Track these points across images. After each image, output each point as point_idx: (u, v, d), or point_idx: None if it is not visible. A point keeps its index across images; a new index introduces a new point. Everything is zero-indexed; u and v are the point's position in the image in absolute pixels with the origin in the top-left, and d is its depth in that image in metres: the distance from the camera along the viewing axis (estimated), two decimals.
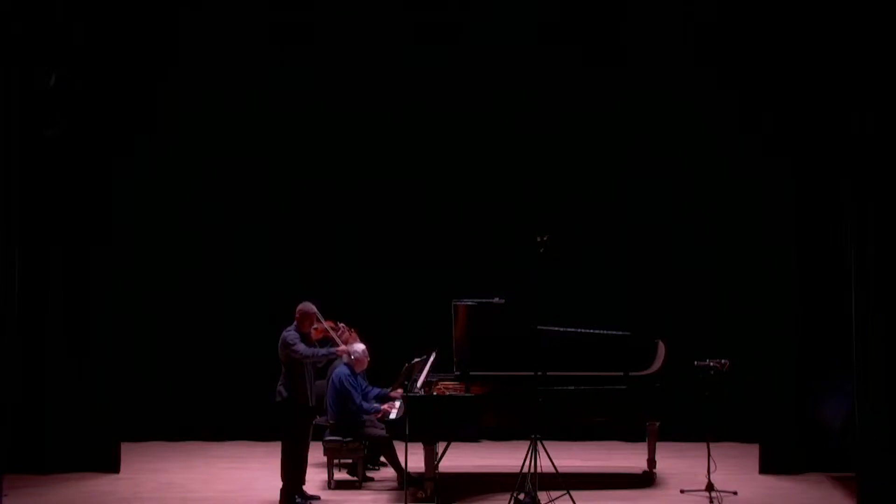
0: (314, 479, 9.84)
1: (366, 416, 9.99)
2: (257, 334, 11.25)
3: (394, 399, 10.24)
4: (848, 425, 9.99)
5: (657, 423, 10.13)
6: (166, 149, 12.32)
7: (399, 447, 9.56)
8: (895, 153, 9.31)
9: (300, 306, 9.32)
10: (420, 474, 9.49)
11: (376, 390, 10.35)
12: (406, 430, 9.15)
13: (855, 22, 9.62)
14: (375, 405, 10.10)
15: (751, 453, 10.83)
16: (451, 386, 10.17)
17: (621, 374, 9.88)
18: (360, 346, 10.15)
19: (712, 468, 9.51)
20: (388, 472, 10.31)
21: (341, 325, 9.74)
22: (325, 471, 10.08)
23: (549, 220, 10.92)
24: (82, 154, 10.69)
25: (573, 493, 9.01)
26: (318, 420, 10.14)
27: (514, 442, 11.20)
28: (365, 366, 10.21)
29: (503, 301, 9.87)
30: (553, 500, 9.01)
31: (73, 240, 10.72)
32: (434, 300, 10.83)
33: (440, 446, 9.75)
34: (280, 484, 9.33)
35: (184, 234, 12.45)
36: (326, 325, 9.40)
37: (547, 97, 12.33)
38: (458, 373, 10.06)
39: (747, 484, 9.97)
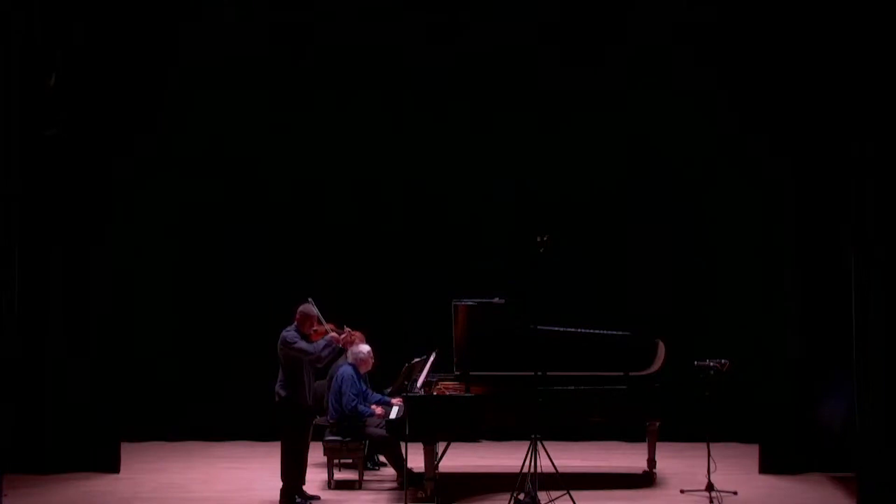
0: (314, 479, 9.84)
1: (366, 416, 10.01)
2: (257, 334, 11.24)
3: (392, 405, 10.22)
4: (848, 425, 9.99)
5: (657, 423, 10.12)
6: (166, 149, 12.33)
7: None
8: (895, 153, 9.31)
9: (301, 307, 9.31)
10: (420, 474, 9.50)
11: (377, 396, 10.35)
12: (406, 430, 9.15)
13: (855, 22, 9.61)
14: (370, 409, 10.08)
15: (751, 453, 10.83)
16: (451, 386, 10.17)
17: (621, 374, 9.88)
18: (365, 348, 10.17)
19: (712, 468, 9.50)
20: (388, 472, 10.32)
21: (346, 328, 9.70)
22: (325, 471, 10.08)
23: (549, 220, 10.92)
24: (82, 154, 10.69)
25: (573, 493, 9.01)
26: (318, 420, 10.15)
27: (514, 442, 11.21)
28: (369, 367, 10.22)
29: (503, 301, 9.87)
30: (553, 500, 9.01)
31: (73, 240, 10.72)
32: (434, 300, 10.83)
33: (440, 446, 9.76)
34: (280, 484, 9.33)
35: (183, 233, 12.45)
36: (328, 327, 9.38)
37: (547, 97, 12.34)
38: (458, 373, 10.05)
39: (747, 484, 9.97)
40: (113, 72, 10.81)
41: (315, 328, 9.34)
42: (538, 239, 9.02)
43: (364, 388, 10.19)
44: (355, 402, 9.92)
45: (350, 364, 10.11)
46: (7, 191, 9.71)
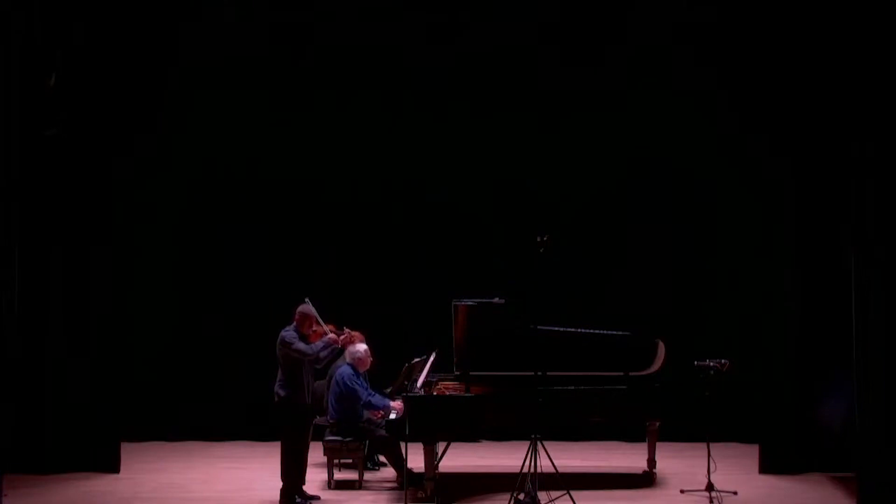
0: (314, 479, 9.84)
1: (367, 415, 10.00)
2: (257, 334, 11.23)
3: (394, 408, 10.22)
4: (848, 425, 9.99)
5: (657, 423, 10.12)
6: (166, 149, 12.33)
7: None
8: (895, 153, 9.31)
9: (300, 307, 9.31)
10: (420, 474, 9.50)
11: (377, 396, 10.34)
12: (406, 430, 9.15)
13: (854, 22, 9.61)
14: (386, 401, 10.08)
15: (751, 453, 10.83)
16: (451, 386, 10.17)
17: (621, 374, 9.88)
18: (361, 347, 10.16)
19: (712, 468, 9.50)
20: (388, 472, 10.32)
21: (345, 329, 9.70)
22: (325, 471, 10.08)
23: (550, 220, 10.92)
24: (82, 154, 10.69)
25: (573, 493, 9.01)
26: (319, 420, 10.15)
27: (514, 442, 11.20)
28: (368, 366, 10.21)
29: (503, 301, 9.87)
30: (553, 500, 9.01)
31: (73, 240, 10.72)
32: (434, 300, 10.83)
33: (440, 446, 9.76)
34: (280, 484, 9.33)
35: (183, 233, 12.46)
36: (327, 328, 9.38)
37: (547, 97, 12.33)
38: (458, 373, 10.05)
39: (747, 484, 9.97)
40: (113, 72, 10.81)
41: (314, 329, 9.34)
42: (538, 239, 9.02)
43: (365, 385, 10.19)
44: (366, 395, 9.93)
45: (348, 364, 10.10)
46: (7, 191, 9.71)
